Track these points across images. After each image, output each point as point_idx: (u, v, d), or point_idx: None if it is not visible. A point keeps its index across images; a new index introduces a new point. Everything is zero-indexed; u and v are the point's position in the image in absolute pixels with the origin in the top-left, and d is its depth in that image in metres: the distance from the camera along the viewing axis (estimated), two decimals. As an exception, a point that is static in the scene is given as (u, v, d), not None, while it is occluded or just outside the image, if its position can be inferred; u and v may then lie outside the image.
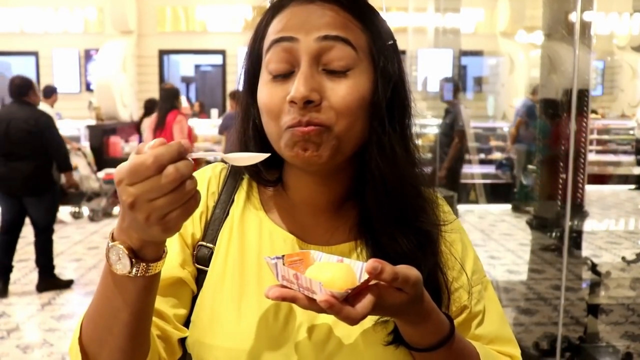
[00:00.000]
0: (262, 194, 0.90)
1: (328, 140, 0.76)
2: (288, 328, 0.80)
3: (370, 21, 0.81)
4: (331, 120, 0.76)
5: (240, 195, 0.89)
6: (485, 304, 0.89)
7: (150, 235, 0.64)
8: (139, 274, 0.67)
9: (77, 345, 0.74)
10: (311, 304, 0.63)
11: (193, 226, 0.86)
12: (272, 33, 0.80)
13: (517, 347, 0.90)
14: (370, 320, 0.78)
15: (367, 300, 0.63)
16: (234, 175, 0.91)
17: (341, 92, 0.76)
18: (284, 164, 0.86)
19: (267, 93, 0.79)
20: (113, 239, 0.66)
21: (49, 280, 5.10)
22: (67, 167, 5.16)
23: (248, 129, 0.84)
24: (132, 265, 0.66)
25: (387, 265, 0.63)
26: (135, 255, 0.66)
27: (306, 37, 0.76)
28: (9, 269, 4.99)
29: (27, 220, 7.92)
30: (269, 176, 0.87)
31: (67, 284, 5.16)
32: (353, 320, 0.62)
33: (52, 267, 5.17)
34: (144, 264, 0.67)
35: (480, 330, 0.87)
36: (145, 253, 0.67)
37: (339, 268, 0.67)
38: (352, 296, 0.63)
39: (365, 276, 0.64)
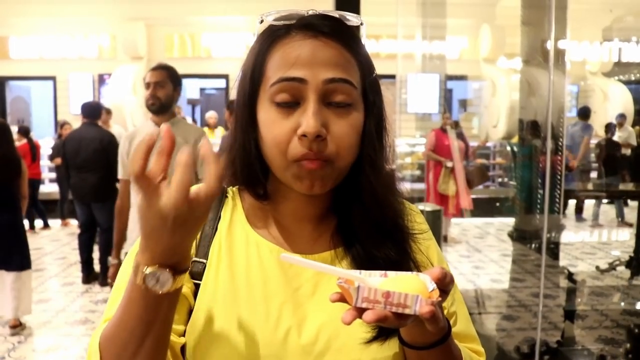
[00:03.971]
0: (246, 208, 0.89)
1: (331, 173, 0.78)
2: (278, 332, 0.80)
3: (363, 57, 0.82)
4: (333, 154, 0.77)
5: (226, 211, 0.89)
6: (456, 305, 0.90)
7: (163, 222, 0.62)
8: (177, 287, 0.67)
9: None
10: (398, 320, 0.62)
11: None
12: (277, 65, 0.78)
13: (480, 344, 0.92)
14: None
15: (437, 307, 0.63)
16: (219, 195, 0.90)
17: (344, 129, 0.78)
18: (272, 179, 0.85)
19: (273, 124, 0.78)
20: (140, 266, 0.66)
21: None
22: None
23: (250, 148, 0.82)
24: (174, 281, 0.66)
25: (447, 271, 0.64)
26: (173, 269, 0.66)
27: (314, 78, 0.77)
28: (91, 261, 5.61)
29: (44, 233, 7.89)
30: (258, 189, 0.86)
31: None
32: (442, 325, 0.63)
33: None
34: (179, 275, 0.66)
35: (454, 329, 0.88)
36: (174, 262, 0.66)
37: (414, 280, 0.65)
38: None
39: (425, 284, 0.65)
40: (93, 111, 5.49)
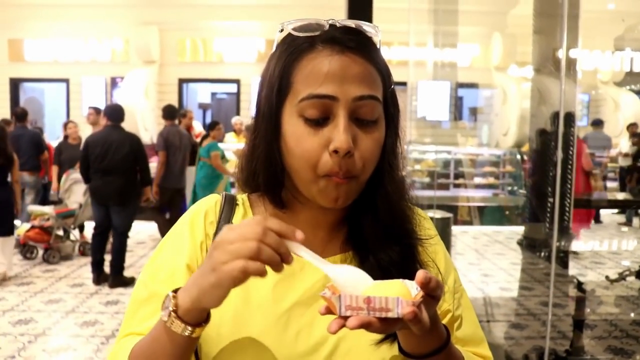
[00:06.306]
0: (257, 215, 0.90)
1: (355, 187, 0.81)
2: (287, 333, 0.81)
3: (384, 69, 0.83)
4: (359, 170, 0.79)
5: (237, 220, 0.89)
6: (462, 310, 0.91)
7: (208, 284, 0.66)
8: (172, 328, 0.70)
9: None
10: (383, 325, 0.63)
11: (197, 256, 0.86)
12: (306, 80, 0.79)
13: (488, 348, 0.92)
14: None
15: (424, 309, 0.64)
16: (229, 203, 0.91)
17: (370, 145, 0.80)
18: (289, 188, 0.86)
19: (302, 138, 0.79)
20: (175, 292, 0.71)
21: (119, 278, 5.52)
22: (149, 182, 5.87)
23: (276, 159, 0.83)
24: (169, 316, 0.70)
25: (432, 276, 0.64)
26: (177, 313, 0.70)
27: (344, 96, 0.78)
28: (102, 262, 5.65)
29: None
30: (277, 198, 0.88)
31: (132, 281, 5.53)
32: (428, 328, 0.64)
33: (123, 267, 5.62)
34: (181, 322, 0.70)
35: (459, 332, 0.90)
36: (189, 316, 0.70)
37: (397, 285, 0.65)
38: None
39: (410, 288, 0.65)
40: (118, 114, 5.50)
